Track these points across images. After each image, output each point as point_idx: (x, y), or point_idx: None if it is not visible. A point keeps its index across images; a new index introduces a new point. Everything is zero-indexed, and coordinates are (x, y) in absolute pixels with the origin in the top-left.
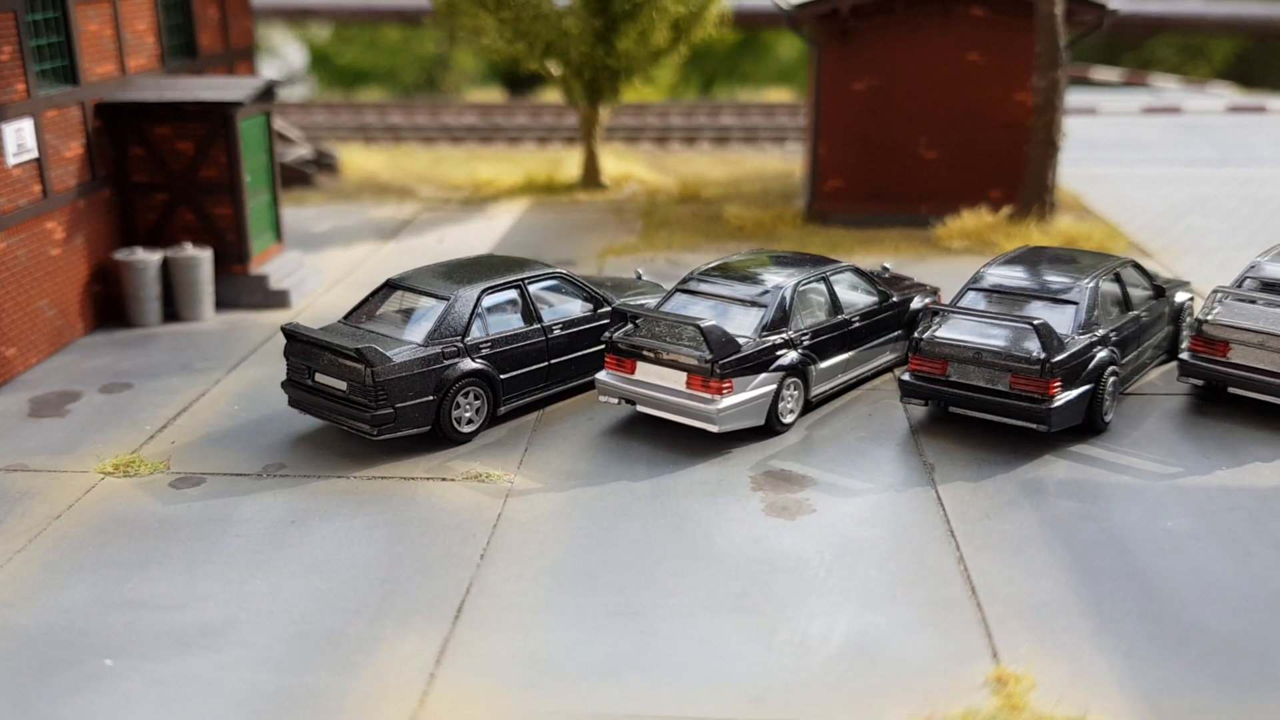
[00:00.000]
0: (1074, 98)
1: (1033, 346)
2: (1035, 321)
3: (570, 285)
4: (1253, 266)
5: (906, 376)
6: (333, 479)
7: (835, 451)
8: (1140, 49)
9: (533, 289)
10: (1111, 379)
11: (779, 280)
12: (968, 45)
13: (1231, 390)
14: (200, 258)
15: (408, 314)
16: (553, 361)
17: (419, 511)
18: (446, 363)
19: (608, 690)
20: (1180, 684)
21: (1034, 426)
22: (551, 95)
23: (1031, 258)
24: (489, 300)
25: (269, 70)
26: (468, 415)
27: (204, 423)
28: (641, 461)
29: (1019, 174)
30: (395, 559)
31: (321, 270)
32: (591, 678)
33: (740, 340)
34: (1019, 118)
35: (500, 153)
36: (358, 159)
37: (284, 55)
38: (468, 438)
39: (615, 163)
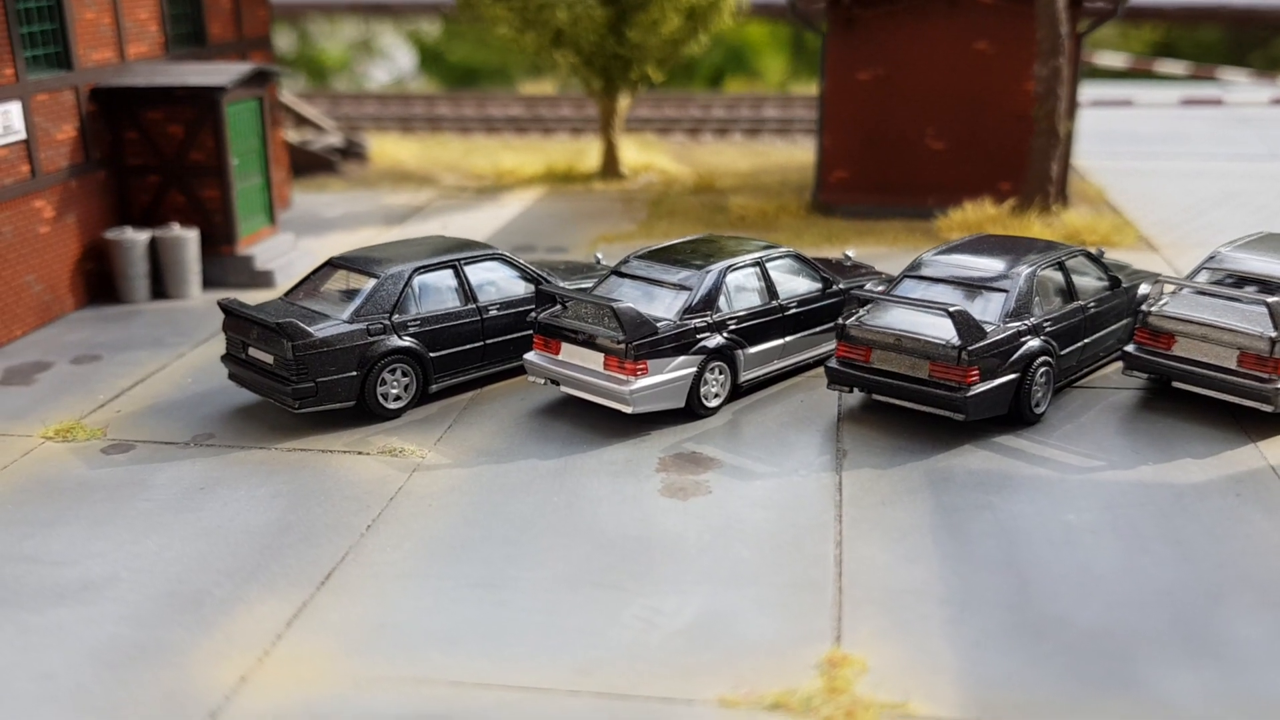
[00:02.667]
0: (1111, 90)
1: (951, 334)
2: (951, 309)
3: (511, 266)
4: (1212, 256)
5: (833, 363)
6: (254, 449)
7: (754, 436)
8: (1269, 46)
9: (469, 269)
10: (1043, 369)
11: (708, 265)
12: (975, 34)
13: (1175, 385)
14: (186, 238)
15: (345, 292)
16: (488, 342)
17: (324, 482)
18: (371, 339)
19: (441, 657)
20: (1020, 677)
21: (951, 415)
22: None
23: (976, 246)
24: (422, 279)
25: (381, 71)
26: (394, 391)
27: (154, 394)
28: (558, 441)
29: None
30: (285, 527)
31: (315, 253)
32: (429, 644)
33: (660, 323)
34: (1028, 108)
35: (533, 143)
36: (390, 148)
37: (392, 55)
38: (395, 414)
39: (639, 153)
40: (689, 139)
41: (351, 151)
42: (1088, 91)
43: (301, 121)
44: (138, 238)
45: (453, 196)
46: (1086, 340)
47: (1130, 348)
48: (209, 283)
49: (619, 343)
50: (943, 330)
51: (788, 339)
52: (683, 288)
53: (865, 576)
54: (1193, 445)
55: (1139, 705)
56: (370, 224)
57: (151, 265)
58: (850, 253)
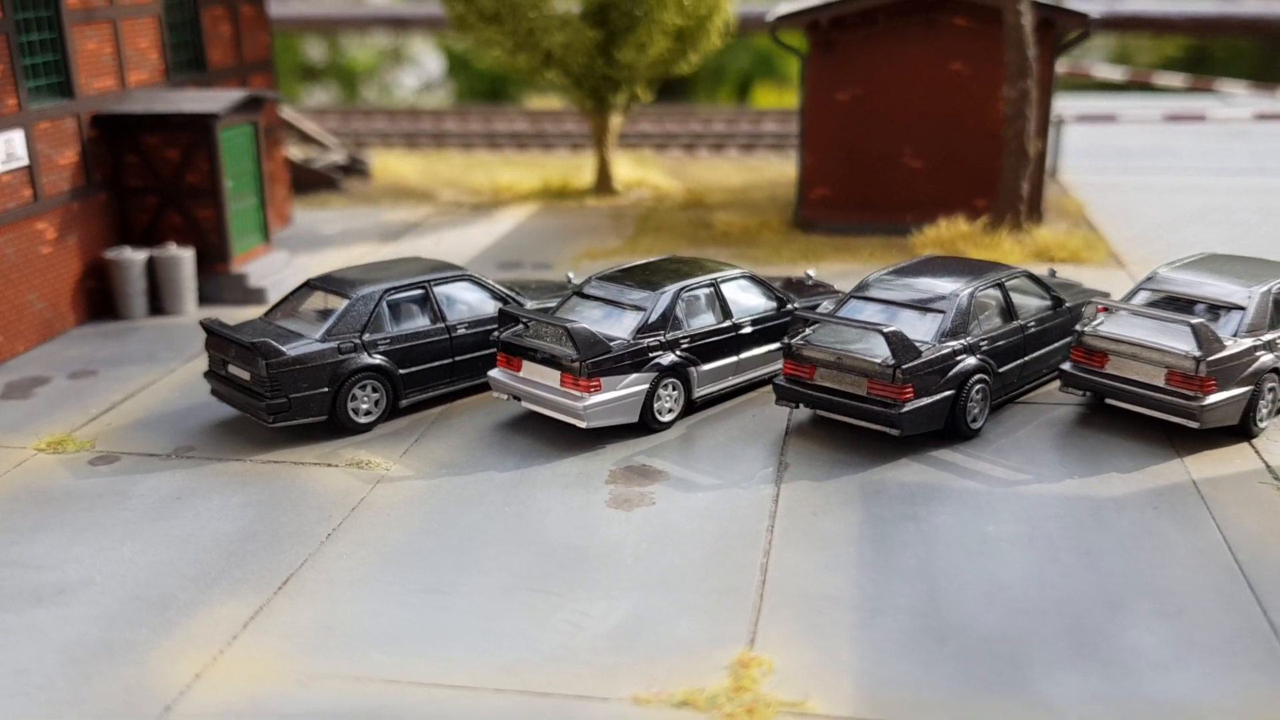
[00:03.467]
0: (1099, 103)
1: (886, 353)
2: (885, 329)
3: (480, 287)
4: (1150, 277)
5: (780, 380)
6: (230, 461)
7: (704, 450)
8: None
9: (439, 290)
10: (978, 386)
11: (663, 286)
12: (951, 55)
13: (1109, 402)
14: (182, 257)
15: (320, 312)
16: (457, 359)
17: (292, 493)
18: (342, 357)
19: (381, 657)
20: (915, 678)
21: (888, 430)
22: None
23: (921, 268)
24: (393, 299)
25: (409, 78)
26: (365, 407)
27: (143, 407)
28: (517, 454)
29: None
30: (251, 534)
31: (308, 270)
32: (372, 645)
33: (614, 342)
34: (1002, 127)
35: (533, 158)
36: (393, 164)
37: (423, 63)
38: (366, 428)
39: (633, 169)
40: (685, 154)
41: (354, 168)
42: (1073, 106)
43: (305, 139)
44: (135, 257)
45: (449, 213)
46: (1026, 358)
47: (1066, 366)
48: (204, 299)
49: (573, 361)
50: (879, 349)
51: (742, 356)
52: (638, 308)
53: (786, 583)
54: (1120, 460)
55: (1021, 706)
56: (366, 240)
57: (149, 283)
58: (811, 272)
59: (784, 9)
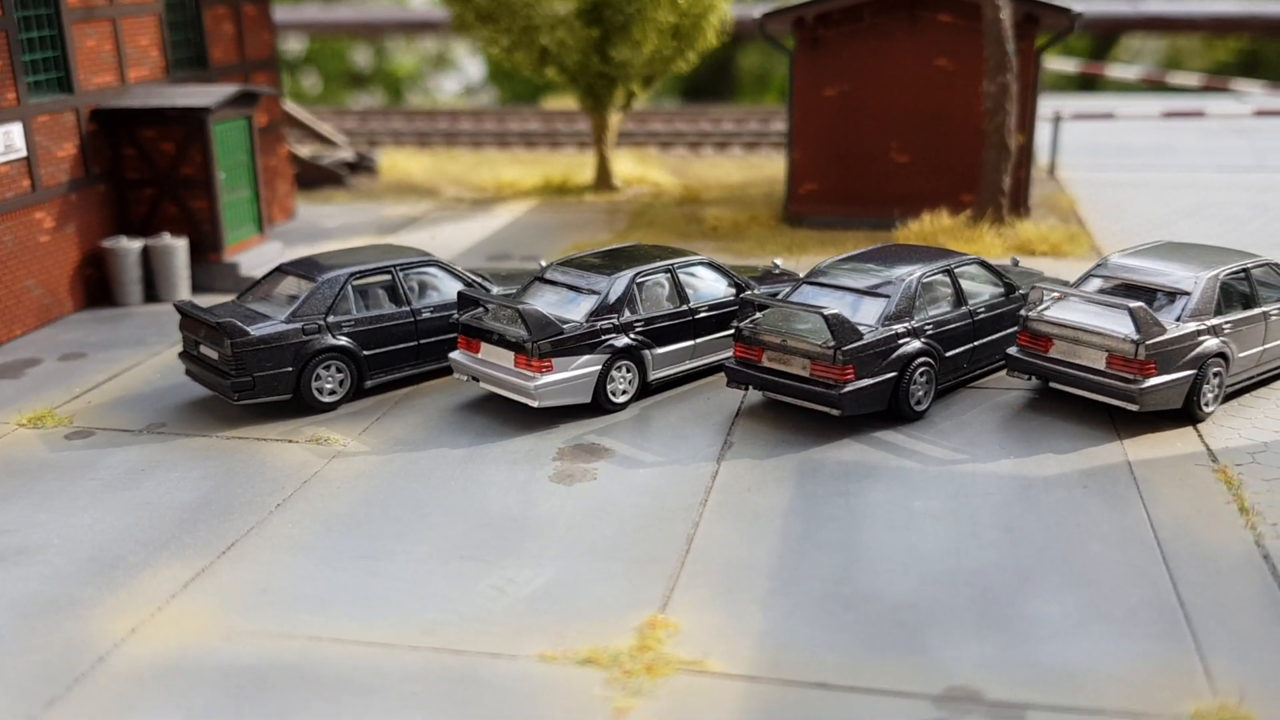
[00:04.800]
0: (1100, 102)
1: (828, 335)
2: (826, 312)
3: (447, 272)
4: (1102, 263)
5: (731, 363)
6: (197, 437)
7: (654, 429)
8: None
9: (405, 275)
10: (922, 370)
11: (618, 271)
12: (936, 51)
13: (1053, 385)
14: (176, 246)
15: (291, 295)
16: (422, 342)
17: (250, 466)
18: (307, 338)
19: (309, 616)
20: (815, 642)
21: (829, 411)
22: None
23: (872, 255)
24: (359, 283)
25: (450, 83)
26: (329, 386)
27: (123, 387)
28: (472, 433)
29: None
30: (205, 504)
31: None
32: (301, 606)
33: (567, 324)
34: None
35: (540, 157)
36: (401, 162)
37: (464, 68)
38: (330, 406)
39: (635, 166)
40: (690, 152)
41: (362, 166)
42: (1071, 105)
43: (315, 137)
44: (131, 246)
45: (449, 208)
46: (975, 344)
47: (1013, 350)
48: (198, 288)
49: (525, 342)
50: (823, 332)
51: (698, 341)
52: (593, 292)
53: (710, 553)
54: (1059, 442)
55: (914, 669)
56: (364, 234)
57: (145, 271)
58: (779, 261)
59: (772, 6)
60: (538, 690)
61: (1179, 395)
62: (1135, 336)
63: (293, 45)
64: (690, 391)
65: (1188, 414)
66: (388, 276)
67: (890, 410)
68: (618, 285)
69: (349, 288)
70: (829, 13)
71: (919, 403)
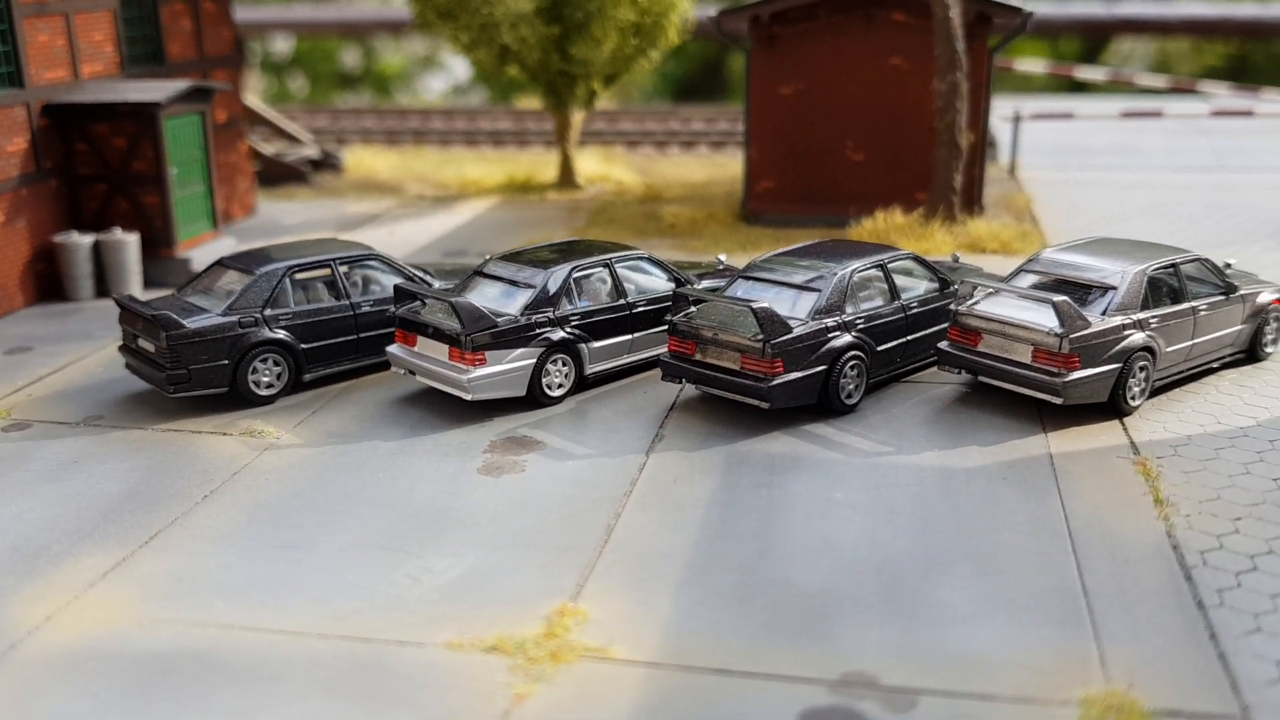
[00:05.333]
0: (1059, 103)
1: (756, 329)
2: (755, 305)
3: (388, 267)
4: (1034, 258)
5: (666, 356)
6: (133, 429)
7: (588, 423)
8: None
9: (345, 269)
10: (852, 363)
11: (556, 265)
12: (891, 50)
13: (982, 379)
14: (127, 241)
15: (229, 289)
16: (361, 335)
17: (182, 458)
18: (243, 331)
19: (223, 604)
20: (721, 628)
21: (758, 403)
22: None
23: (807, 251)
24: (297, 277)
25: (439, 83)
26: (266, 379)
27: (66, 381)
28: (406, 425)
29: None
30: (134, 495)
31: None
32: (217, 594)
33: (501, 317)
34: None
35: (507, 155)
36: (367, 160)
37: (451, 68)
38: (267, 400)
39: (600, 165)
40: (656, 151)
41: (327, 163)
42: (1030, 105)
43: (282, 135)
44: (82, 241)
45: (411, 205)
46: (909, 338)
47: (943, 345)
48: (150, 283)
49: (457, 335)
50: (751, 326)
51: (636, 335)
52: (528, 286)
53: (628, 543)
54: (985, 434)
55: (814, 654)
56: (323, 230)
57: (96, 266)
58: (723, 257)
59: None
60: (441, 677)
61: (1104, 389)
62: (1059, 330)
63: (280, 46)
64: (628, 385)
65: (1114, 407)
66: (327, 271)
67: (821, 403)
68: (553, 279)
69: (287, 281)
70: (784, 11)
71: (850, 396)
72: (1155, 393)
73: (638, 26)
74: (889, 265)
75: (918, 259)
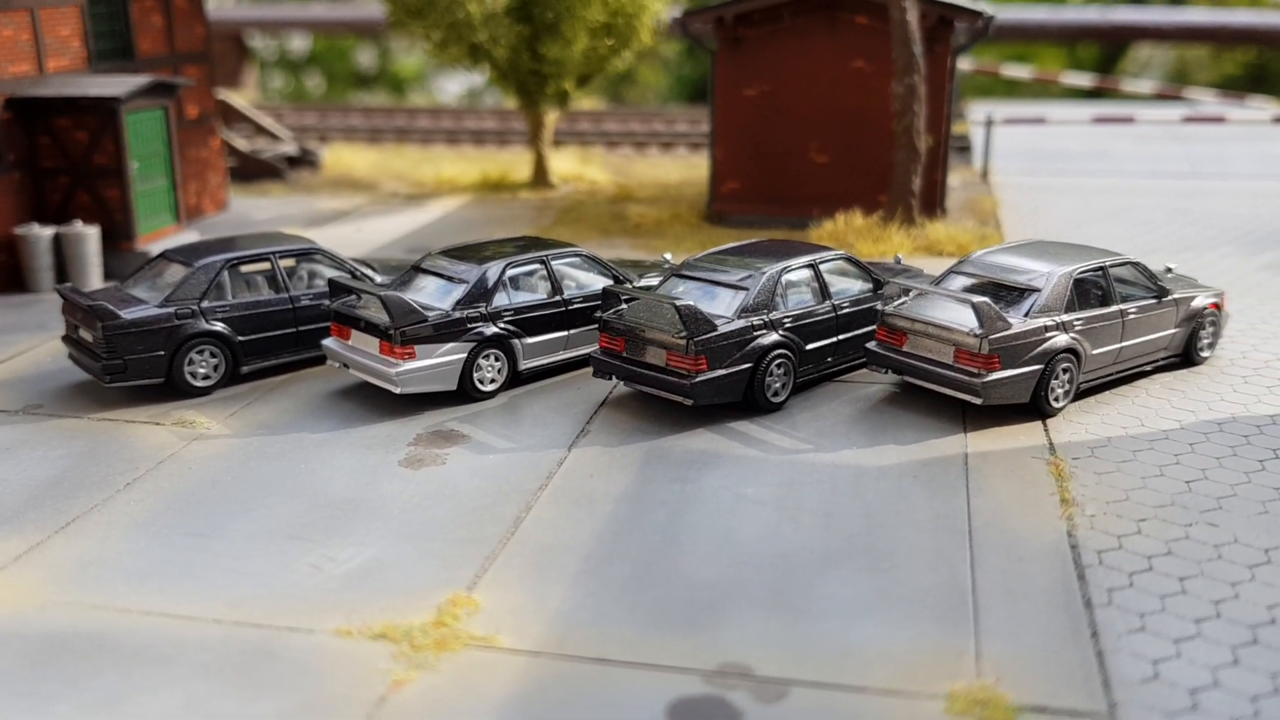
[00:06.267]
0: (1032, 109)
1: (681, 326)
2: (678, 303)
3: (330, 261)
4: (963, 261)
5: (597, 353)
6: (69, 418)
7: (517, 417)
8: None
9: (285, 263)
10: (779, 361)
11: (489, 262)
12: (853, 53)
13: (908, 379)
14: (87, 234)
15: (169, 281)
16: (301, 329)
17: (112, 447)
18: (179, 322)
19: (125, 589)
20: (608, 618)
21: (682, 400)
22: (587, 103)
23: (743, 249)
24: (235, 270)
25: (454, 85)
26: (203, 371)
27: (12, 370)
28: (336, 418)
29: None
30: (58, 482)
31: None
32: (121, 579)
33: (432, 312)
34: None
35: (487, 153)
36: (346, 157)
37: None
38: (204, 391)
39: (575, 164)
40: (636, 152)
41: (305, 160)
42: (1002, 110)
43: (260, 131)
44: (42, 233)
45: (383, 203)
46: (840, 337)
47: (871, 345)
48: (110, 275)
49: (387, 329)
50: (677, 323)
51: (572, 332)
52: (461, 281)
53: (534, 535)
54: (906, 434)
55: (694, 645)
56: (291, 226)
57: (56, 258)
58: (668, 256)
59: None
60: (324, 663)
61: (1025, 390)
62: (979, 331)
63: (297, 44)
64: (564, 381)
65: (1037, 409)
66: (266, 264)
67: (747, 401)
68: (487, 275)
69: (225, 274)
70: (749, 13)
71: (776, 394)
72: (1084, 394)
73: (610, 27)
74: (821, 265)
75: (851, 259)
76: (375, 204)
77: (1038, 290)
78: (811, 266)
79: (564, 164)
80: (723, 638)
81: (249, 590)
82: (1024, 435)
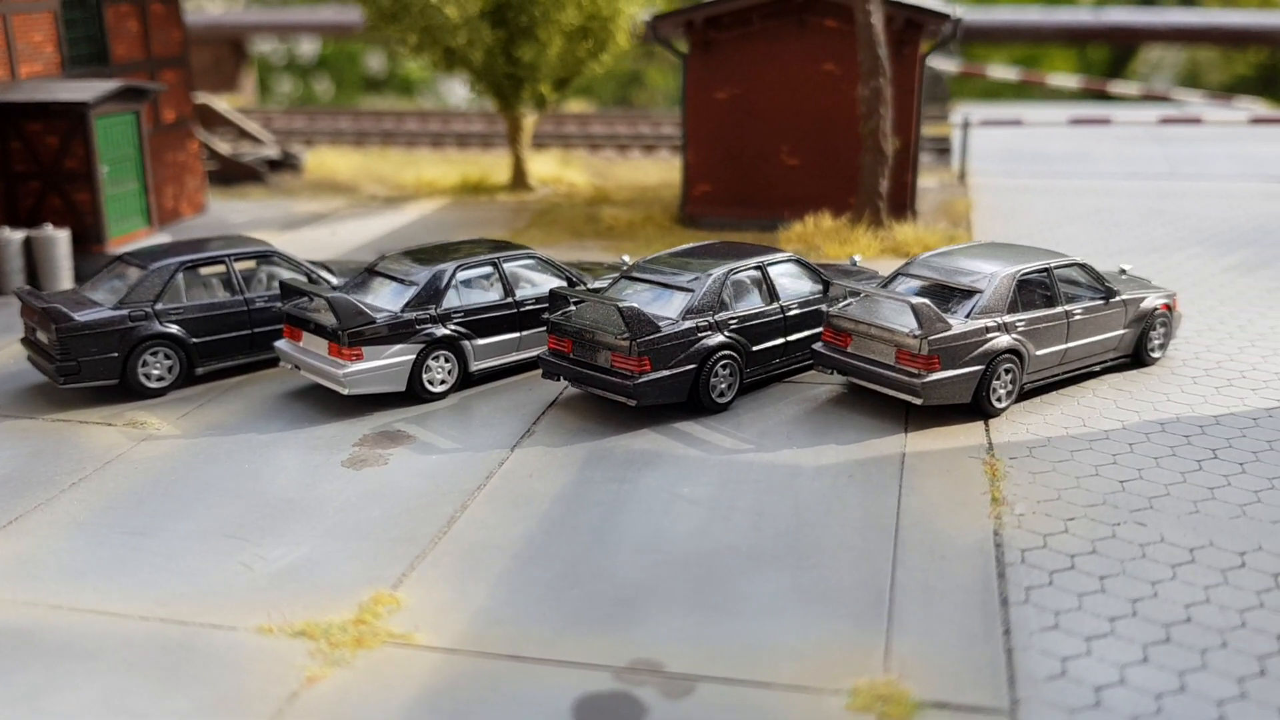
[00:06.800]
0: (1011, 110)
1: (623, 328)
2: (621, 305)
3: (287, 262)
4: (910, 263)
5: (545, 354)
6: (24, 419)
7: (465, 418)
8: None
9: (240, 265)
10: (724, 362)
11: (439, 264)
12: (823, 56)
13: (851, 380)
14: (57, 237)
15: (126, 284)
16: (256, 331)
17: (62, 447)
18: (133, 324)
19: (59, 586)
20: (528, 616)
21: (625, 400)
22: (576, 105)
23: (697, 251)
24: (189, 272)
25: (463, 89)
26: (156, 373)
27: None
28: (285, 419)
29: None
30: (4, 481)
31: None
32: (57, 576)
33: (380, 314)
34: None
35: (470, 156)
36: (330, 160)
37: None
38: (158, 392)
39: (555, 167)
40: (618, 154)
41: (286, 163)
42: (979, 112)
43: (243, 135)
44: (13, 236)
45: (362, 205)
46: (788, 339)
47: (817, 346)
48: (81, 278)
49: (334, 330)
50: (620, 324)
51: (524, 333)
52: (411, 283)
53: (466, 534)
54: (847, 434)
55: (609, 642)
56: (267, 229)
57: (29, 262)
58: (626, 258)
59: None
60: (243, 659)
61: (966, 390)
62: (918, 332)
63: (306, 48)
64: (517, 382)
65: (980, 409)
66: (222, 267)
67: (693, 401)
68: (437, 277)
69: (179, 277)
70: (718, 16)
71: (721, 395)
72: (1030, 395)
73: (586, 30)
74: (769, 267)
75: (800, 261)
76: (353, 207)
77: (980, 292)
78: (759, 268)
79: (544, 166)
80: (638, 635)
81: (178, 588)
82: (964, 435)
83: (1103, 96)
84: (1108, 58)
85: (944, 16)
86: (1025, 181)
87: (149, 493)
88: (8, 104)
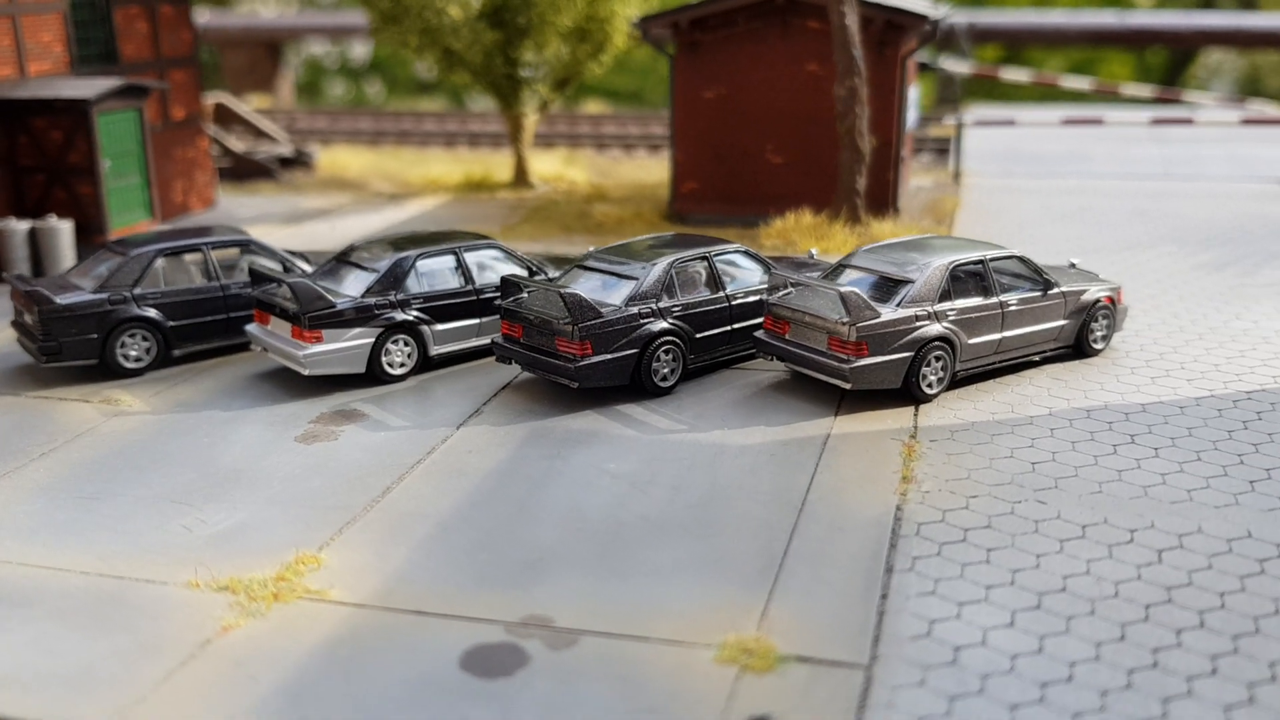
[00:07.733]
0: (1001, 111)
1: (566, 314)
2: (564, 291)
3: (263, 251)
4: (852, 254)
5: (498, 339)
6: (8, 395)
7: (420, 399)
8: None
9: (216, 253)
10: (666, 347)
11: (402, 252)
12: (807, 57)
13: (790, 366)
14: (60, 228)
15: (106, 269)
16: (232, 315)
17: (37, 422)
18: (111, 308)
19: (12, 543)
20: (436, 576)
21: (567, 383)
22: (594, 106)
23: (652, 241)
24: (168, 259)
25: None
26: (134, 354)
27: None
28: (251, 397)
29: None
30: None
31: None
32: (11, 536)
33: (340, 299)
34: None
35: (480, 155)
36: (342, 158)
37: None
38: (136, 372)
39: (558, 165)
40: (624, 154)
41: (299, 161)
42: (980, 113)
43: (258, 134)
44: (19, 227)
45: (366, 202)
46: (733, 326)
47: (759, 333)
48: None
49: (295, 314)
50: (563, 310)
51: (484, 320)
52: (372, 270)
53: (397, 504)
54: (779, 416)
55: (507, 600)
56: (271, 223)
57: (32, 251)
58: (592, 249)
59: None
60: (167, 610)
61: (895, 376)
62: (846, 319)
63: (358, 52)
64: (477, 367)
65: (910, 395)
66: (199, 254)
67: (636, 384)
68: (398, 264)
69: (157, 263)
70: (704, 17)
71: (664, 379)
72: (967, 381)
73: (583, 32)
74: (714, 257)
75: (748, 253)
76: (358, 203)
77: (911, 281)
78: (705, 259)
79: (548, 165)
80: (537, 594)
81: (120, 546)
82: (892, 419)
83: (1115, 99)
84: (1165, 62)
85: (922, 18)
86: (1019, 181)
87: (110, 463)
88: (14, 100)
